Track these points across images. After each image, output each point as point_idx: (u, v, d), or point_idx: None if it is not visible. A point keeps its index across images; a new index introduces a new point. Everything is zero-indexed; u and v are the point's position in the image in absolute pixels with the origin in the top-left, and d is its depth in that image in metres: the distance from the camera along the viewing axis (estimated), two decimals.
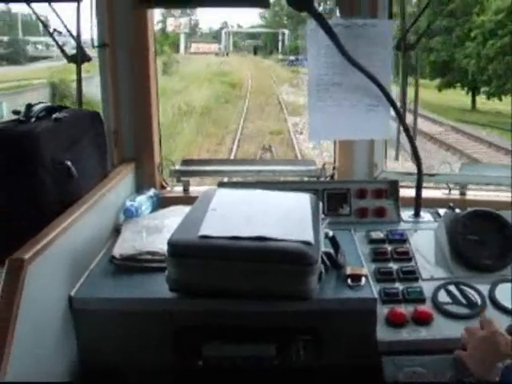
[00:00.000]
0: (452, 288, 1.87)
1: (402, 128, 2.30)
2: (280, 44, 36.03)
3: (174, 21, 30.27)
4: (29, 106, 1.92)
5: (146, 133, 2.52)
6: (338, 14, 2.35)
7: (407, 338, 1.71)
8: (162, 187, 2.63)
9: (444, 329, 1.74)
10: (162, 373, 1.83)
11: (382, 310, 1.78)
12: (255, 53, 36.96)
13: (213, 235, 1.67)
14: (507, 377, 1.38)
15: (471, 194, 2.52)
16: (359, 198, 2.33)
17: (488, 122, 17.33)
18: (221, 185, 2.32)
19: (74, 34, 2.40)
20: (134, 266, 1.89)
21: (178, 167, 2.63)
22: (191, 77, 24.55)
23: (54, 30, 2.42)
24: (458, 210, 2.14)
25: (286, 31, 34.71)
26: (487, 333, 1.48)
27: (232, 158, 12.29)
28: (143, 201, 2.33)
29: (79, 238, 1.84)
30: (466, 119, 17.99)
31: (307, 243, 1.65)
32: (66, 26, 2.35)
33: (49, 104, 2.02)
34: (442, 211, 2.27)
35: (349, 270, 1.84)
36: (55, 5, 2.37)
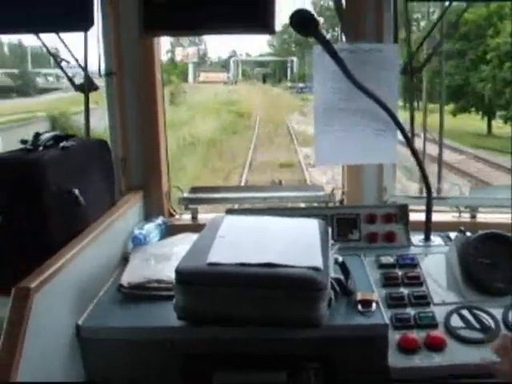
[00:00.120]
0: (465, 312, 1.84)
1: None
2: (289, 71, 36.18)
3: (183, 50, 30.52)
4: (36, 135, 1.93)
5: (153, 160, 2.53)
6: (343, 39, 2.36)
7: (420, 364, 1.68)
8: (171, 215, 2.63)
9: (458, 354, 1.71)
10: None
11: (394, 336, 1.75)
12: (264, 81, 37.11)
13: (221, 262, 1.65)
14: None
15: (482, 217, 2.50)
16: (369, 222, 2.31)
17: (502, 147, 16.87)
18: (229, 212, 2.31)
19: (82, 63, 2.43)
20: (142, 294, 1.88)
21: (186, 195, 2.63)
22: (198, 107, 24.16)
23: (62, 59, 2.45)
24: (468, 234, 2.12)
25: (295, 59, 34.87)
26: None
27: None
28: (151, 229, 2.33)
29: (87, 267, 1.83)
30: (483, 144, 17.63)
31: (316, 269, 1.63)
32: (73, 55, 2.38)
33: (56, 133, 2.03)
34: (452, 235, 2.24)
35: (359, 296, 1.81)
36: (64, 35, 2.40)
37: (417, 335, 1.75)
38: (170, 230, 2.43)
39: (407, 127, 2.36)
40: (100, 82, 2.48)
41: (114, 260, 2.13)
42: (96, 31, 2.37)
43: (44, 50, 2.50)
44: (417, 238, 2.31)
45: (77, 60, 2.41)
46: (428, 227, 2.30)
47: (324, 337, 1.69)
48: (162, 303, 1.80)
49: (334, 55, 2.06)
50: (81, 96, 2.48)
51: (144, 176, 2.53)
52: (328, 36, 2.23)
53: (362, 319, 1.73)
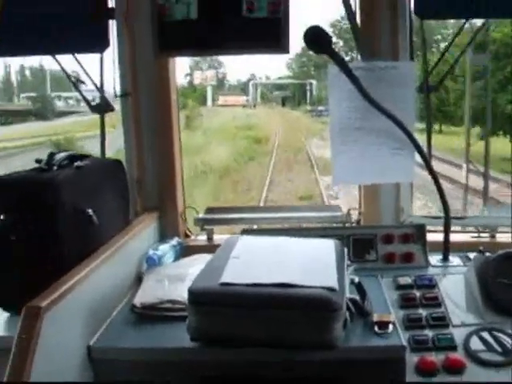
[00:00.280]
0: (485, 334, 1.79)
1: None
2: (308, 94, 36.25)
3: (201, 74, 30.77)
4: (51, 155, 1.95)
5: (169, 181, 2.53)
6: (359, 57, 2.35)
7: None
8: (186, 236, 2.62)
9: (477, 378, 1.65)
10: None
11: (412, 358, 1.70)
12: (283, 104, 37.19)
13: (234, 282, 1.63)
14: None
15: (502, 237, 2.46)
16: (386, 243, 2.28)
17: None
18: (244, 232, 2.29)
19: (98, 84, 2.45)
20: (156, 315, 1.86)
21: (201, 215, 2.62)
22: (215, 131, 23.59)
23: (77, 79, 2.47)
24: (488, 254, 2.08)
25: (314, 82, 34.97)
26: None
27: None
28: (166, 249, 2.32)
29: (99, 287, 1.81)
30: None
31: (331, 289, 1.61)
32: (89, 76, 2.39)
33: (71, 152, 2.04)
34: (471, 255, 2.19)
35: (375, 317, 1.77)
36: (82, 58, 2.43)
37: (435, 358, 1.70)
38: (185, 251, 2.42)
39: (424, 148, 2.34)
40: (116, 105, 2.50)
41: (128, 280, 2.12)
42: (112, 53, 2.40)
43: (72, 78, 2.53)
44: (435, 259, 2.27)
45: (93, 81, 2.43)
46: (446, 247, 2.26)
47: (339, 359, 1.65)
48: (175, 324, 1.78)
49: (348, 73, 2.06)
50: (98, 120, 2.50)
51: (159, 196, 2.53)
52: (347, 58, 2.22)
53: (379, 341, 1.70)
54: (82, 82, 2.54)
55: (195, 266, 2.09)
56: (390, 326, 1.75)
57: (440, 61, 2.38)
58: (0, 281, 1.86)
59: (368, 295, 1.85)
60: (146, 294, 1.94)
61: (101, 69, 2.43)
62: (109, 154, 2.54)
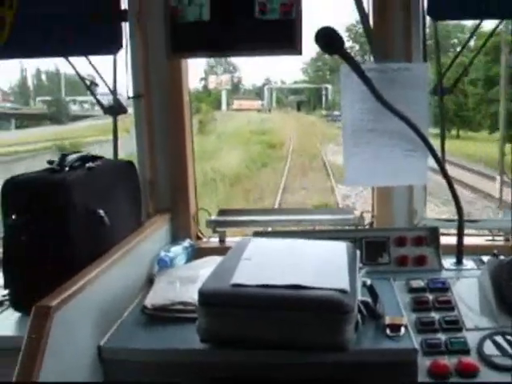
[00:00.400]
0: (499, 338, 1.76)
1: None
2: (323, 99, 36.14)
3: (216, 78, 30.81)
4: (63, 156, 1.95)
5: (181, 183, 2.53)
6: (371, 59, 2.34)
7: None
8: (198, 238, 2.62)
9: (491, 382, 1.64)
10: None
11: (424, 362, 1.68)
12: (298, 109, 37.11)
13: (245, 283, 1.62)
14: None
15: None
16: (398, 246, 2.26)
17: None
18: (256, 234, 2.28)
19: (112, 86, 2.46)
20: (167, 316, 1.85)
21: (214, 217, 2.61)
22: (228, 136, 23.25)
23: (91, 82, 2.47)
24: (502, 257, 2.06)
25: (329, 86, 34.88)
26: None
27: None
28: (178, 251, 2.31)
29: (110, 287, 1.81)
30: None
31: (342, 291, 1.59)
32: (102, 78, 2.40)
33: (83, 154, 2.04)
34: (485, 258, 2.18)
35: (387, 320, 1.75)
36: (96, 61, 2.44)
37: (448, 361, 1.68)
38: (197, 253, 2.41)
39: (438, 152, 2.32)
40: (130, 109, 2.50)
41: (139, 282, 2.11)
42: (124, 54, 2.40)
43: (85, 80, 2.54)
44: (448, 262, 2.25)
45: (105, 82, 2.44)
46: (460, 250, 2.25)
47: (351, 361, 1.63)
48: (186, 326, 1.77)
49: (360, 74, 2.05)
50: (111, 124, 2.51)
51: (172, 198, 2.53)
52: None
53: (391, 344, 1.68)
54: (96, 85, 2.54)
55: (207, 267, 2.07)
56: (402, 329, 1.72)
57: (453, 63, 2.36)
58: (11, 281, 1.87)
59: (380, 298, 1.83)
60: (157, 296, 1.93)
61: (114, 70, 2.45)
62: (121, 157, 2.54)
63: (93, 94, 2.52)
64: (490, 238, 2.46)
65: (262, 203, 13.79)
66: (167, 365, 1.68)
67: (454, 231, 2.28)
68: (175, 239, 2.48)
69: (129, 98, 2.43)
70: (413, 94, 2.21)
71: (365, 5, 2.28)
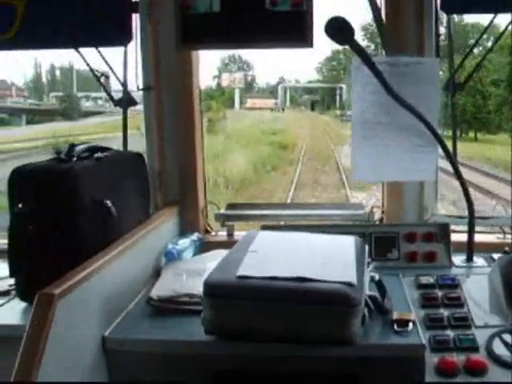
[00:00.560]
0: (508, 336, 1.74)
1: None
2: (338, 99, 35.97)
3: (230, 76, 30.75)
4: (71, 146, 1.94)
5: (190, 176, 2.52)
6: (383, 52, 2.32)
7: None
8: (207, 231, 2.61)
9: (499, 380, 1.61)
10: None
11: (432, 359, 1.65)
12: (312, 108, 36.93)
13: (251, 275, 1.61)
14: None
15: None
16: (408, 241, 2.24)
17: None
18: (264, 227, 2.27)
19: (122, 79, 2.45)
20: (172, 307, 1.85)
21: (222, 211, 2.60)
22: (238, 136, 21.90)
23: (102, 74, 2.47)
24: None
25: (344, 86, 34.74)
26: None
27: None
28: (186, 244, 2.30)
29: (116, 278, 1.80)
30: None
31: (349, 284, 1.57)
32: (112, 69, 2.39)
33: (92, 144, 2.04)
34: (496, 256, 2.15)
35: (395, 315, 1.73)
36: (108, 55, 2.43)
37: (456, 358, 1.66)
38: (205, 247, 2.40)
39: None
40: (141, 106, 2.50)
41: (146, 274, 2.10)
42: (134, 46, 2.39)
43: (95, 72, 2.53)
44: (458, 259, 2.22)
45: (116, 75, 2.43)
46: (470, 247, 2.22)
47: (357, 355, 1.61)
48: (191, 318, 1.76)
49: (371, 66, 2.02)
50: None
51: (180, 191, 2.53)
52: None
53: (398, 339, 1.66)
54: (107, 77, 2.54)
55: (214, 261, 2.06)
56: (410, 325, 1.71)
57: (466, 58, 2.34)
58: (17, 270, 1.86)
59: (388, 293, 1.81)
60: (163, 287, 1.92)
61: (124, 62, 2.44)
62: None
63: (103, 86, 2.51)
64: (501, 235, 2.43)
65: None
66: (171, 356, 1.67)
67: (465, 228, 2.25)
68: (183, 232, 2.47)
69: (138, 89, 2.42)
70: (424, 88, 2.18)
71: None
